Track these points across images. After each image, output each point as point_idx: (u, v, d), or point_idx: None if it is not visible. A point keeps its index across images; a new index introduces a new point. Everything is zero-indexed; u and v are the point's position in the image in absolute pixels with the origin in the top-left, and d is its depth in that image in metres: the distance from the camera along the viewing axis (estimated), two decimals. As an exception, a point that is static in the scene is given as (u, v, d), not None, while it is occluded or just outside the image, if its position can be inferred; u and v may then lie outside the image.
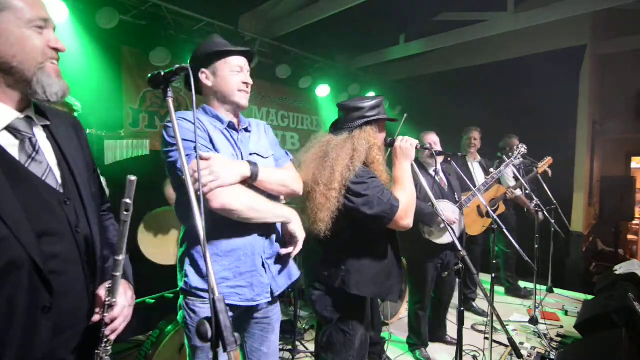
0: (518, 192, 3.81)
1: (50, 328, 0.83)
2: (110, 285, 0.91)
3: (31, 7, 0.82)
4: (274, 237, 1.47)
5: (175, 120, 0.93)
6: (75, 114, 2.18)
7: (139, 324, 3.16)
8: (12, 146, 0.83)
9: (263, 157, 1.49)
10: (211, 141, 1.35)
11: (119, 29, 3.09)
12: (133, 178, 0.84)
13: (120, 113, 3.44)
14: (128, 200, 0.84)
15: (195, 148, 0.98)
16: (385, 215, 1.61)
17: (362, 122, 1.75)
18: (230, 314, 1.36)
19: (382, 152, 1.81)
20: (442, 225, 2.68)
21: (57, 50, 0.88)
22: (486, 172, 3.63)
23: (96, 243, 0.96)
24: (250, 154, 1.46)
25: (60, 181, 0.91)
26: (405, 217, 1.64)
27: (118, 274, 0.89)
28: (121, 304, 0.94)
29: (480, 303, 3.99)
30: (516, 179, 3.70)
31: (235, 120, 1.46)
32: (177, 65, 0.92)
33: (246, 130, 1.50)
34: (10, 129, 0.84)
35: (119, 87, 3.42)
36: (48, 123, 0.93)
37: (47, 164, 0.89)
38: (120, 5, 3.11)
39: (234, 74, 1.42)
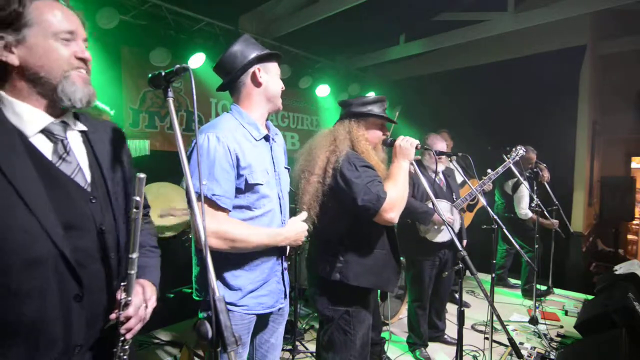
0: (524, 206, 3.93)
1: (84, 317, 0.89)
2: (125, 284, 0.93)
3: (57, 20, 0.88)
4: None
5: (178, 129, 0.93)
6: (110, 118, 2.31)
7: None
8: (46, 148, 0.90)
9: (288, 169, 1.61)
10: (240, 161, 1.34)
11: (119, 29, 3.09)
12: (142, 175, 0.86)
13: (120, 113, 3.44)
14: (137, 198, 0.86)
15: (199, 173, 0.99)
16: (371, 205, 1.61)
17: (345, 115, 1.86)
18: (253, 317, 1.42)
19: (372, 145, 1.84)
20: (440, 226, 2.68)
21: (83, 60, 0.92)
22: (464, 170, 3.64)
23: (120, 242, 0.99)
24: (285, 167, 1.57)
25: (89, 180, 0.96)
26: (391, 211, 1.63)
27: (132, 271, 0.91)
28: (135, 303, 0.95)
29: (478, 302, 4.00)
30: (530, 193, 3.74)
31: (267, 131, 1.49)
32: (178, 65, 0.93)
33: (274, 140, 1.54)
34: (46, 132, 0.90)
35: (119, 87, 3.42)
36: (85, 129, 1.00)
37: (77, 164, 0.94)
38: (120, 5, 3.11)
39: (278, 77, 1.50)
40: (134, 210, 0.86)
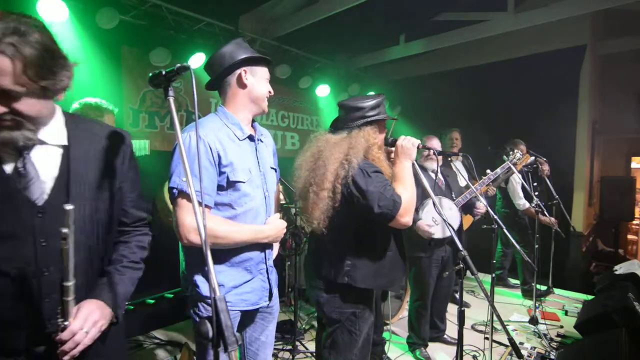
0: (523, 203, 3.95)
1: None
2: (61, 308, 0.91)
3: None
4: (276, 244, 1.60)
5: (178, 129, 0.94)
6: (114, 117, 2.33)
7: (139, 324, 3.17)
8: (11, 160, 0.92)
9: (275, 169, 1.62)
10: (222, 159, 1.37)
11: (119, 29, 3.09)
12: (68, 207, 0.83)
13: (121, 113, 3.43)
14: (64, 230, 0.82)
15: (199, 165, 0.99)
16: (388, 211, 1.61)
17: (362, 122, 1.75)
18: (237, 313, 1.44)
19: (382, 151, 1.81)
20: (437, 222, 2.69)
21: None
22: (468, 171, 3.64)
23: (70, 259, 0.92)
24: (271, 168, 1.58)
25: (46, 195, 0.95)
26: (406, 214, 1.64)
27: (68, 298, 0.90)
28: (71, 329, 0.92)
29: (478, 302, 4.00)
30: (524, 189, 3.73)
31: (252, 131, 1.51)
32: (179, 64, 0.92)
33: (260, 140, 1.55)
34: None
35: (119, 87, 3.42)
36: (65, 143, 0.99)
37: (31, 179, 0.94)
38: (120, 5, 3.11)
39: (266, 81, 1.53)
40: (62, 240, 0.83)
